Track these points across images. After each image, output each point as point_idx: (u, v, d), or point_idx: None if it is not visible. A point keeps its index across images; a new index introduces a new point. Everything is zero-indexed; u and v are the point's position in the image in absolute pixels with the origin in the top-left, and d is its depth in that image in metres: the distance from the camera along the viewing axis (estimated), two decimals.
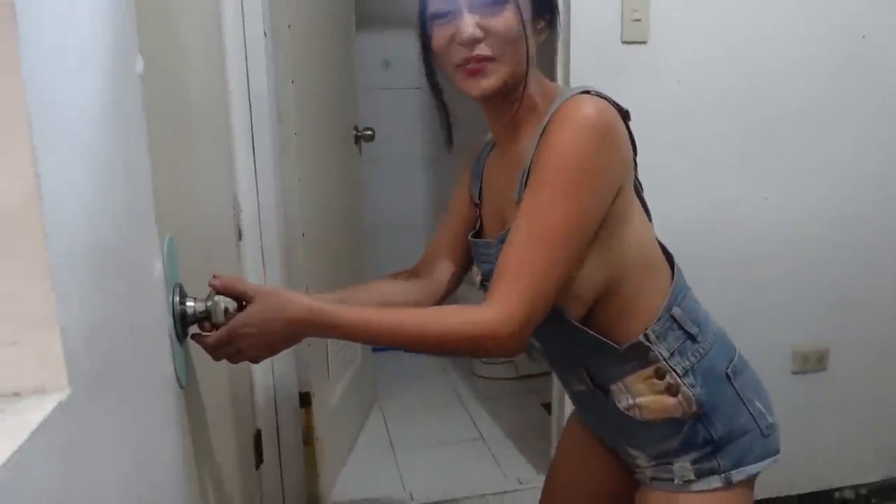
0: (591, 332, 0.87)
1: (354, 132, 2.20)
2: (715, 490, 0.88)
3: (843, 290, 1.88)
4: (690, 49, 1.67)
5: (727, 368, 0.91)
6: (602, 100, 0.82)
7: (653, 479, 0.93)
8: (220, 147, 1.34)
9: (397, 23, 2.83)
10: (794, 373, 1.91)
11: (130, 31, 0.64)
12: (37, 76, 0.40)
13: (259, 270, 1.48)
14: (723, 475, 0.88)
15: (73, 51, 0.49)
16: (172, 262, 0.76)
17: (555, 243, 0.78)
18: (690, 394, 0.87)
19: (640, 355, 0.88)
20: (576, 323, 0.87)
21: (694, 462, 0.89)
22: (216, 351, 0.79)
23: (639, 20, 1.62)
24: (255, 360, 0.81)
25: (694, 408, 0.88)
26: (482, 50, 0.82)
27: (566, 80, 1.61)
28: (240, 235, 1.44)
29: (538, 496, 1.82)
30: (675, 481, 0.90)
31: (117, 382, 0.52)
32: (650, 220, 0.95)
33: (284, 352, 0.85)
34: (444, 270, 1.06)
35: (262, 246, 1.49)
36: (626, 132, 0.84)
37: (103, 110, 0.54)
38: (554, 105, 0.85)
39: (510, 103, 0.88)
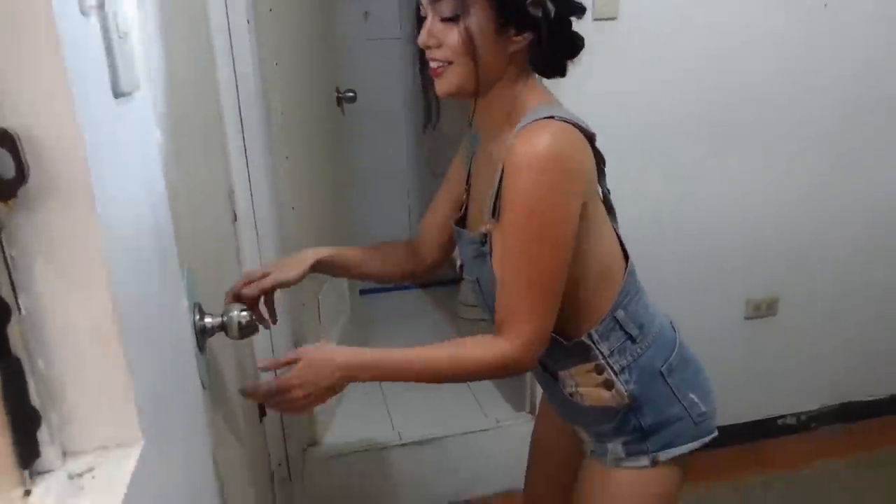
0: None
1: (337, 94, 2.27)
2: (643, 468, 1.01)
3: (793, 244, 2.05)
4: (658, 25, 1.74)
5: (662, 367, 1.01)
6: (559, 127, 0.86)
7: (592, 452, 1.08)
8: (213, 136, 1.43)
9: None
10: (747, 318, 2.11)
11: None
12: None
13: (254, 249, 1.61)
14: (650, 455, 1.01)
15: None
16: (191, 287, 0.89)
17: (549, 283, 0.89)
18: (623, 390, 0.98)
19: (583, 352, 0.99)
20: None
21: (625, 444, 1.02)
22: (268, 402, 0.94)
23: None
24: (304, 410, 0.95)
25: (626, 401, 0.99)
26: (433, 55, 0.90)
27: None
28: (234, 216, 1.55)
29: (514, 435, 2.05)
30: (609, 457, 1.04)
31: (172, 417, 0.67)
32: (615, 218, 1.04)
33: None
34: (436, 241, 1.17)
35: (255, 225, 1.61)
36: (583, 156, 0.90)
37: (141, 200, 0.65)
38: (520, 124, 0.90)
39: (488, 104, 0.94)
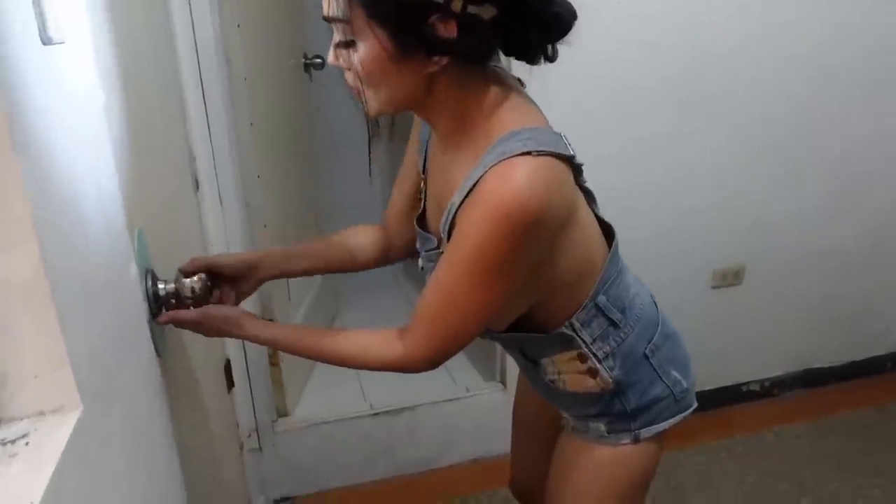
0: (519, 333, 0.95)
1: (304, 60, 2.21)
2: (624, 444, 0.99)
3: (759, 214, 2.07)
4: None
5: (646, 349, 0.97)
6: (535, 169, 0.75)
7: (573, 428, 1.06)
8: (171, 100, 1.39)
9: None
10: (713, 287, 2.13)
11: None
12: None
13: (219, 218, 1.57)
14: (633, 433, 0.99)
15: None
16: (143, 251, 0.86)
17: (466, 321, 0.83)
18: (608, 376, 0.95)
19: (565, 341, 0.94)
20: (502, 334, 0.97)
21: (608, 423, 0.99)
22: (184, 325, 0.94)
23: None
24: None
25: (611, 387, 0.95)
26: (346, 78, 0.81)
27: None
28: (196, 185, 1.51)
29: (485, 403, 2.06)
30: (590, 434, 1.02)
31: (117, 384, 0.65)
32: (594, 200, 0.96)
33: None
34: (398, 233, 1.11)
35: (219, 193, 1.57)
36: (560, 195, 0.79)
37: (78, 159, 0.62)
38: (490, 152, 0.78)
39: (431, 116, 0.85)
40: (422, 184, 1.00)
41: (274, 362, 1.88)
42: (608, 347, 0.95)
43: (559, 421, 1.12)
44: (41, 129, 0.53)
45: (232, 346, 1.72)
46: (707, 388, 2.24)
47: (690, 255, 2.06)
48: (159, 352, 0.88)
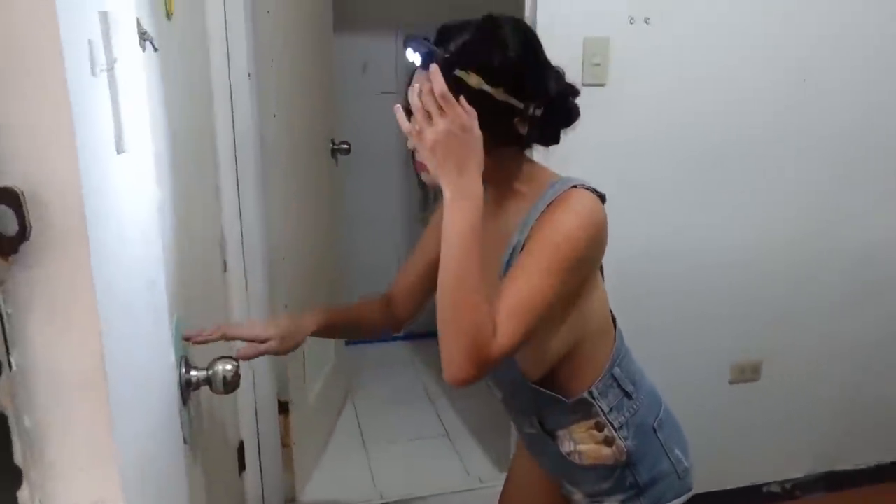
0: (546, 391, 1.01)
1: (332, 146, 2.30)
2: None
3: (778, 309, 2.07)
4: (644, 91, 1.80)
5: (654, 423, 1.05)
6: (595, 199, 0.94)
7: None
8: (208, 188, 1.45)
9: (375, 26, 2.90)
10: (731, 382, 2.11)
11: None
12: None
13: (243, 297, 1.60)
14: None
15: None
16: (178, 339, 0.88)
17: (547, 302, 0.88)
18: (623, 445, 1.02)
19: (584, 409, 1.01)
20: (533, 385, 1.01)
21: (621, 502, 1.05)
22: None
23: (598, 64, 1.75)
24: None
25: (624, 458, 1.02)
26: (418, 157, 0.94)
27: None
28: (224, 267, 1.55)
29: (497, 494, 2.01)
30: None
31: (152, 474, 0.65)
32: (603, 279, 1.07)
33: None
34: (409, 300, 1.21)
35: (245, 274, 1.60)
36: (606, 229, 0.95)
37: (136, 254, 0.66)
38: (547, 193, 0.95)
39: (485, 180, 0.92)
40: None
41: (286, 444, 1.86)
42: (623, 418, 1.02)
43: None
44: (111, 230, 0.57)
45: (247, 428, 1.71)
46: (726, 487, 2.18)
47: (708, 350, 2.05)
48: (186, 439, 0.88)
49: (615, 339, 1.05)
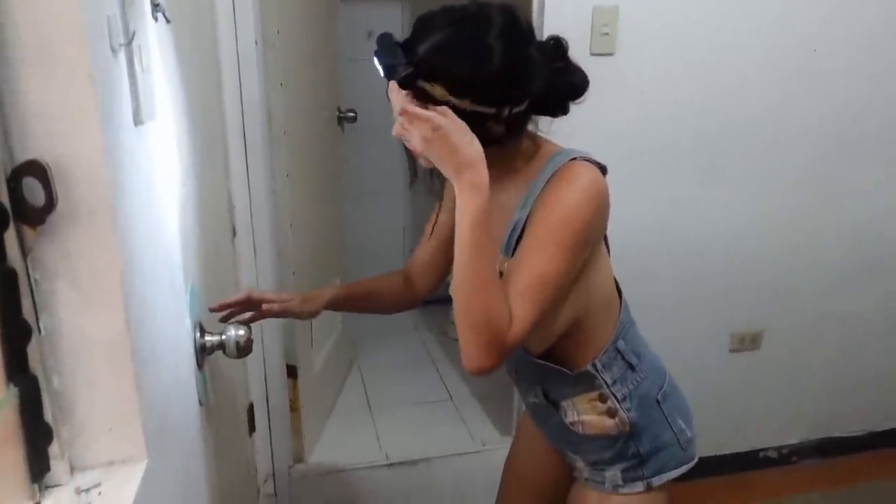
0: (550, 364, 1.02)
1: (338, 113, 2.30)
2: (638, 493, 1.06)
3: (779, 278, 2.09)
4: (653, 61, 1.79)
5: (658, 395, 1.06)
6: (597, 171, 0.93)
7: (587, 479, 1.11)
8: (217, 155, 1.46)
9: None
10: (731, 351, 2.14)
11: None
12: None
13: (251, 263, 1.63)
14: (645, 481, 1.05)
15: None
16: (193, 305, 0.91)
17: (558, 281, 0.89)
18: (626, 417, 1.03)
19: (587, 381, 1.02)
20: (537, 360, 1.03)
21: (623, 471, 1.06)
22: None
23: (607, 34, 1.74)
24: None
25: (627, 429, 1.03)
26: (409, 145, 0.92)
27: None
28: (234, 232, 1.57)
29: (500, 458, 2.05)
30: (606, 485, 1.07)
31: (173, 434, 0.69)
32: (609, 252, 1.07)
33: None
34: (427, 275, 1.22)
35: (254, 240, 1.63)
36: (609, 199, 0.94)
37: (154, 224, 0.68)
38: (546, 167, 0.94)
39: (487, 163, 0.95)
40: None
41: (294, 407, 1.91)
42: (626, 389, 1.04)
43: (551, 479, 1.19)
44: (133, 203, 0.59)
45: (256, 391, 1.75)
46: (724, 452, 2.23)
47: (709, 319, 2.08)
48: (202, 400, 0.92)
49: (620, 311, 1.05)
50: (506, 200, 0.98)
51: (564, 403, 1.06)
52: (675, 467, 1.07)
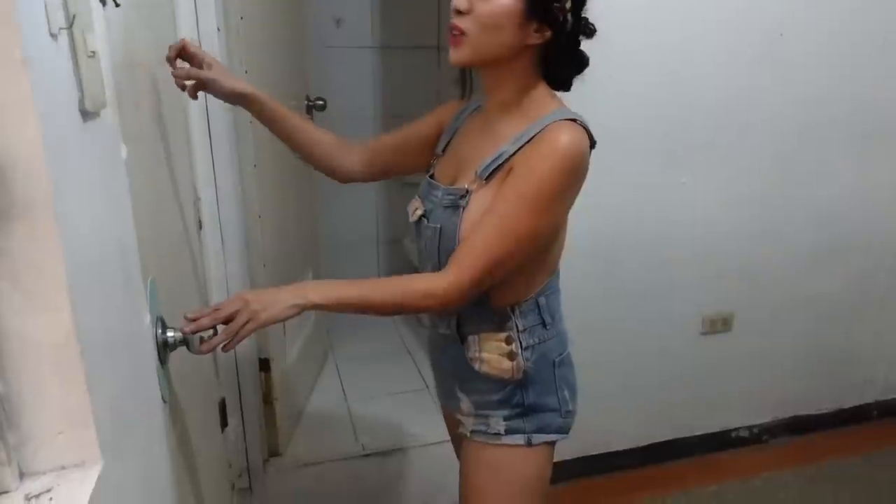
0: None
1: (306, 102, 2.26)
2: (518, 446, 1.11)
3: (747, 262, 2.12)
4: (621, 45, 1.79)
5: (556, 358, 1.13)
6: (584, 132, 0.99)
7: (472, 431, 1.15)
8: (180, 145, 1.42)
9: None
10: (703, 334, 2.17)
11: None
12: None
13: (219, 256, 1.60)
14: (526, 436, 1.11)
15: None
16: (154, 300, 0.88)
17: (514, 248, 0.98)
18: (522, 363, 1.09)
19: (501, 320, 1.08)
20: None
21: (505, 418, 1.11)
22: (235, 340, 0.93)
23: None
24: (260, 319, 0.92)
25: (520, 375, 1.09)
26: (459, 22, 0.96)
27: None
28: (200, 225, 1.54)
29: None
30: (489, 431, 1.12)
31: (131, 435, 0.67)
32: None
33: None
34: (361, 159, 1.24)
35: (221, 233, 1.60)
36: (588, 165, 1.00)
37: (105, 218, 0.65)
38: (545, 118, 1.00)
39: (498, 83, 1.03)
40: (437, 152, 1.18)
41: (268, 400, 1.89)
42: (532, 340, 1.10)
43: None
44: (78, 197, 0.56)
45: (228, 385, 1.72)
46: (696, 433, 2.26)
47: (681, 303, 2.10)
48: (164, 398, 0.89)
49: (552, 275, 1.11)
50: (502, 129, 1.04)
51: (471, 338, 1.11)
52: (553, 432, 1.13)
